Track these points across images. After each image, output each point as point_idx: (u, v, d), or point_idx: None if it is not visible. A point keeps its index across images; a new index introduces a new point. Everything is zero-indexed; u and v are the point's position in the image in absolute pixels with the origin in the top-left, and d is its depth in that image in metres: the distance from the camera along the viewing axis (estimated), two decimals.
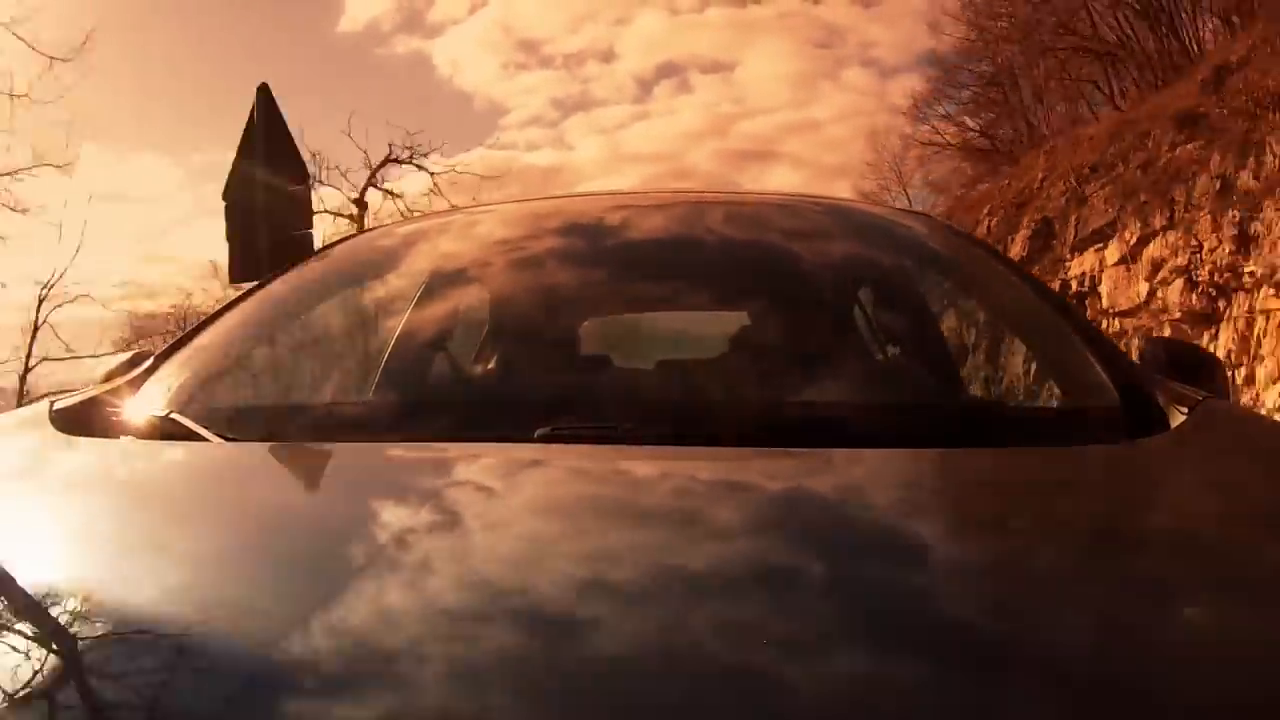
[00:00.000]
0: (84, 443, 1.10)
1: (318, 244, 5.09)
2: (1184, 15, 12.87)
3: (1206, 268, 8.11)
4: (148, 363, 1.35)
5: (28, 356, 14.58)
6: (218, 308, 1.57)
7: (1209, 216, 8.11)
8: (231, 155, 4.73)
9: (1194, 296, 8.24)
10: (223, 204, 4.67)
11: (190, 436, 1.05)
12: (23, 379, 14.53)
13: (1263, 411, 7.08)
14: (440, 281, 1.55)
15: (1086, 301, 9.32)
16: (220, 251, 4.78)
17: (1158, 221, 8.78)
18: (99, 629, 0.66)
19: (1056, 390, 1.33)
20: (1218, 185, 8.14)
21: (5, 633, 0.67)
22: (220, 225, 4.65)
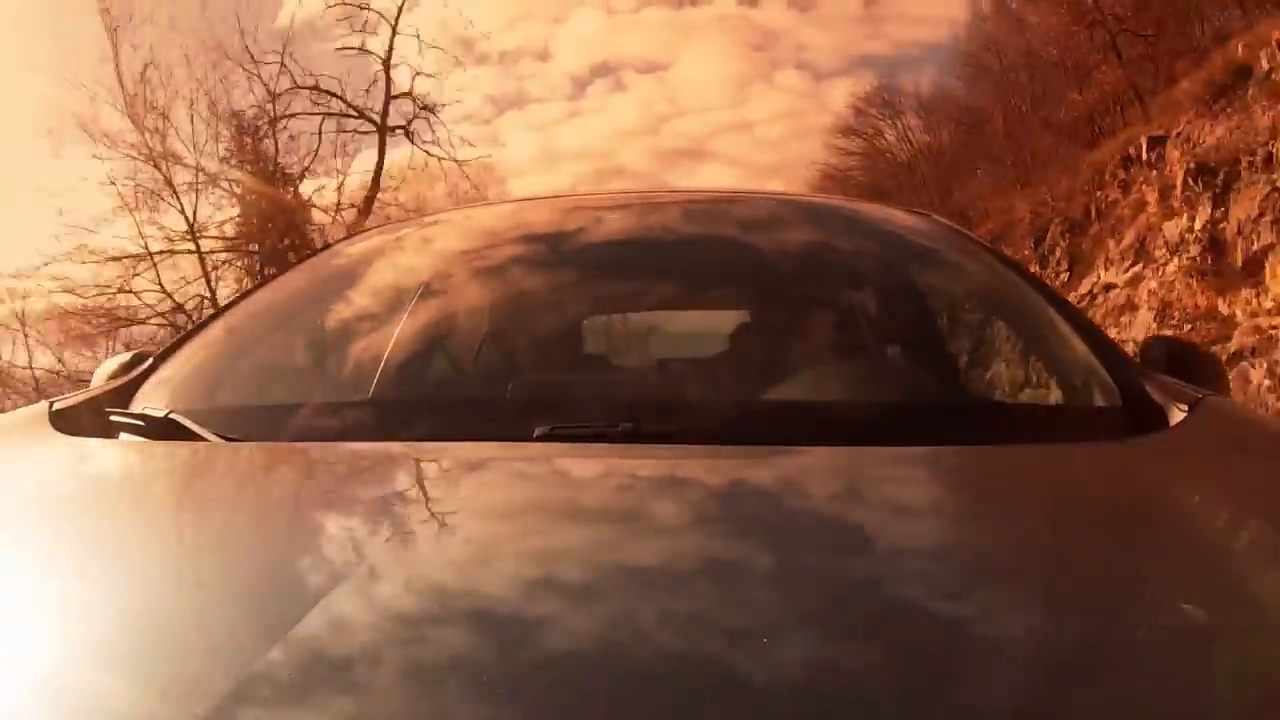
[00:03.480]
0: (83, 443, 1.10)
1: None
2: None
3: None
4: (147, 363, 1.36)
5: None
6: (218, 308, 1.57)
7: None
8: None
9: None
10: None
11: (190, 436, 1.05)
12: None
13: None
14: (439, 281, 1.55)
15: None
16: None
17: None
18: (97, 630, 0.66)
19: (1057, 388, 1.32)
20: None
21: (3, 633, 0.66)
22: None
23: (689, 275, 1.55)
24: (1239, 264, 8.38)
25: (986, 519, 0.86)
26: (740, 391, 1.26)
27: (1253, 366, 7.66)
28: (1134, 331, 8.95)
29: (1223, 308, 8.40)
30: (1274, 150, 8.31)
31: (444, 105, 13.87)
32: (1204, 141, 9.40)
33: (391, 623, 0.65)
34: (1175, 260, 9.04)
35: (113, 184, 11.72)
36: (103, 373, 1.45)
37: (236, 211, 12.89)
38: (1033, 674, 0.59)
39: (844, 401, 1.18)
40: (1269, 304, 7.96)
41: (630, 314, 1.96)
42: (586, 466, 0.96)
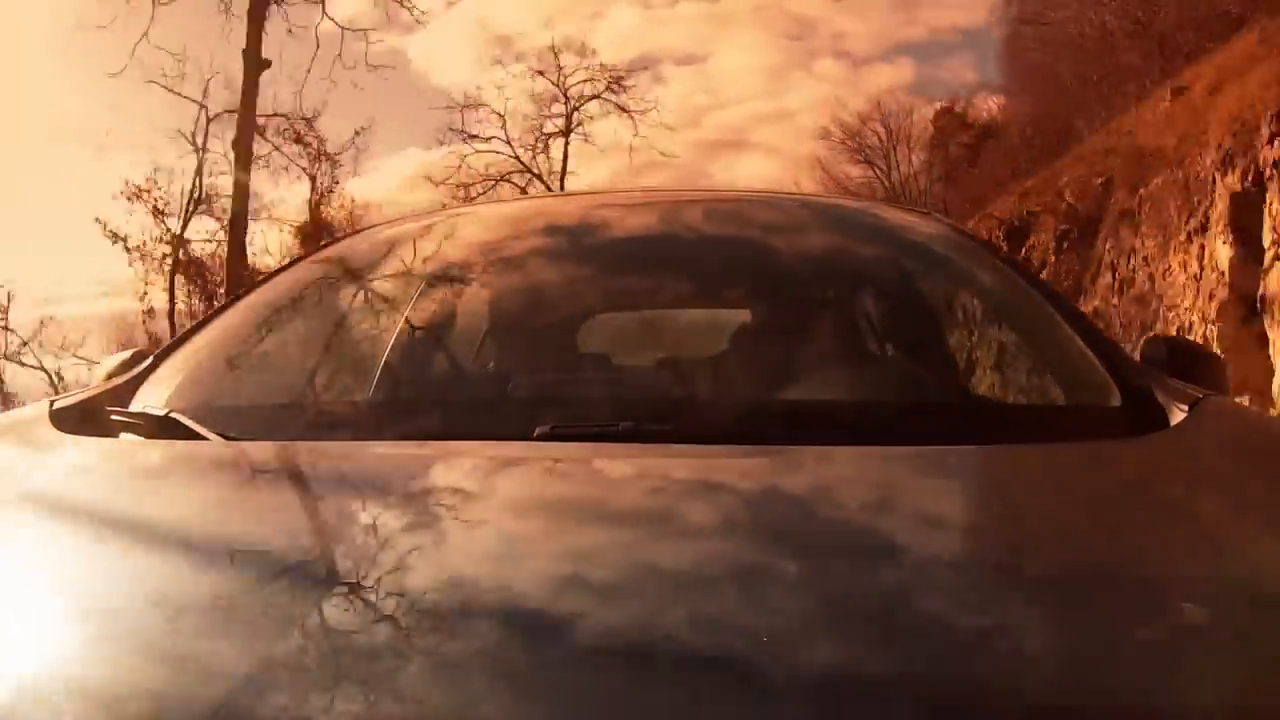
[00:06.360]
0: (84, 442, 1.10)
1: None
2: None
3: None
4: (147, 362, 1.35)
5: None
6: (217, 306, 1.57)
7: None
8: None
9: None
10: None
11: (190, 436, 1.05)
12: None
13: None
14: (439, 280, 1.55)
15: None
16: None
17: None
18: (98, 628, 0.66)
19: (1058, 388, 1.32)
20: None
21: (4, 632, 0.66)
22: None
23: (689, 274, 1.55)
24: None
25: (987, 518, 0.86)
26: (741, 391, 1.26)
27: None
28: None
29: None
30: None
31: None
32: None
33: (391, 620, 0.65)
34: None
35: None
36: (103, 371, 1.45)
37: None
38: (1035, 672, 0.59)
39: (845, 401, 1.18)
40: None
41: (631, 312, 1.96)
42: (587, 465, 0.96)
